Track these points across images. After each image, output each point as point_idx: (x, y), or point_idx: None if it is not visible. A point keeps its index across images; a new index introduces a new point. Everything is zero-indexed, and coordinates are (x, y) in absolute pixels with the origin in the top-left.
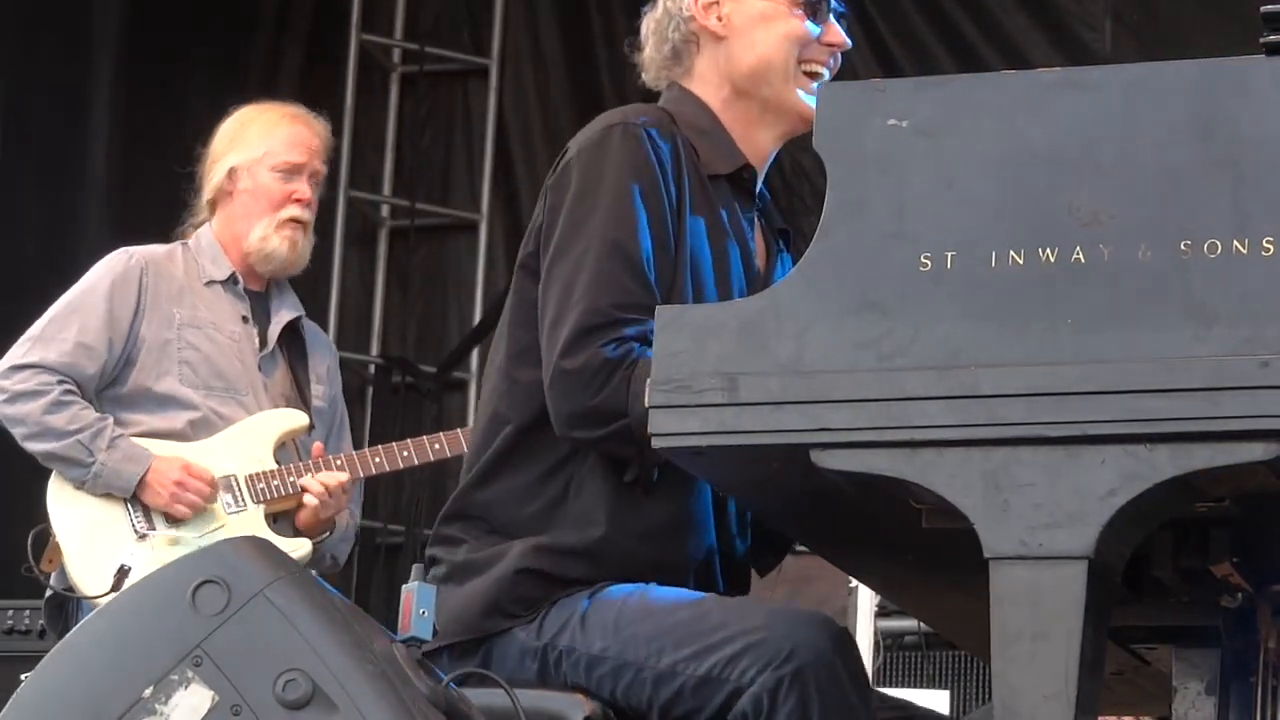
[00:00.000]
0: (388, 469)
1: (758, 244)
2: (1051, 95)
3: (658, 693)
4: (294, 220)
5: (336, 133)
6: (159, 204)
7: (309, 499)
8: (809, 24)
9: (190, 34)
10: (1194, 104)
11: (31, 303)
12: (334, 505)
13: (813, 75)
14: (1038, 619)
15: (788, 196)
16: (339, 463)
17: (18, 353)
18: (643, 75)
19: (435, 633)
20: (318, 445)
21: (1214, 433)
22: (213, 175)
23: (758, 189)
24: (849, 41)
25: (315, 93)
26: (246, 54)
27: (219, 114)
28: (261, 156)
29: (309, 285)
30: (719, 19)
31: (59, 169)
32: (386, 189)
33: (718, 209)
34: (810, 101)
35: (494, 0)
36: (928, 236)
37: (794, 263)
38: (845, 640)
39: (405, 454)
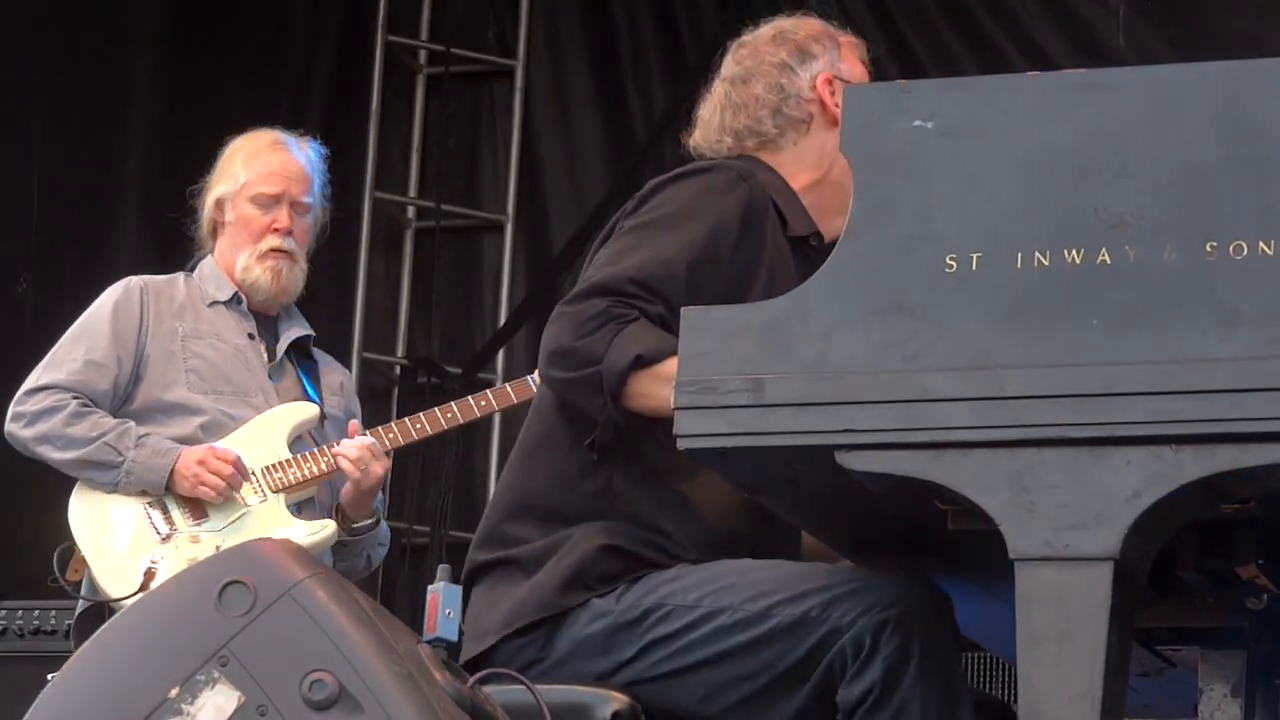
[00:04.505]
0: (402, 443)
1: None
2: (1077, 96)
3: (738, 636)
4: (275, 251)
5: (362, 134)
6: (195, 209)
7: (343, 462)
8: None
9: (225, 37)
10: (1220, 105)
11: (71, 306)
12: (371, 474)
13: None
14: (1063, 620)
15: None
16: (363, 434)
17: (31, 379)
18: (697, 141)
19: (461, 633)
20: (354, 423)
21: (1239, 434)
22: (204, 206)
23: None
24: None
25: (342, 94)
26: (281, 57)
27: (253, 117)
28: (241, 188)
29: (334, 287)
30: (836, 105)
31: (98, 172)
32: (412, 190)
33: (790, 266)
34: None
35: (519, 1)
36: (953, 238)
37: None
38: (945, 599)
39: (419, 426)
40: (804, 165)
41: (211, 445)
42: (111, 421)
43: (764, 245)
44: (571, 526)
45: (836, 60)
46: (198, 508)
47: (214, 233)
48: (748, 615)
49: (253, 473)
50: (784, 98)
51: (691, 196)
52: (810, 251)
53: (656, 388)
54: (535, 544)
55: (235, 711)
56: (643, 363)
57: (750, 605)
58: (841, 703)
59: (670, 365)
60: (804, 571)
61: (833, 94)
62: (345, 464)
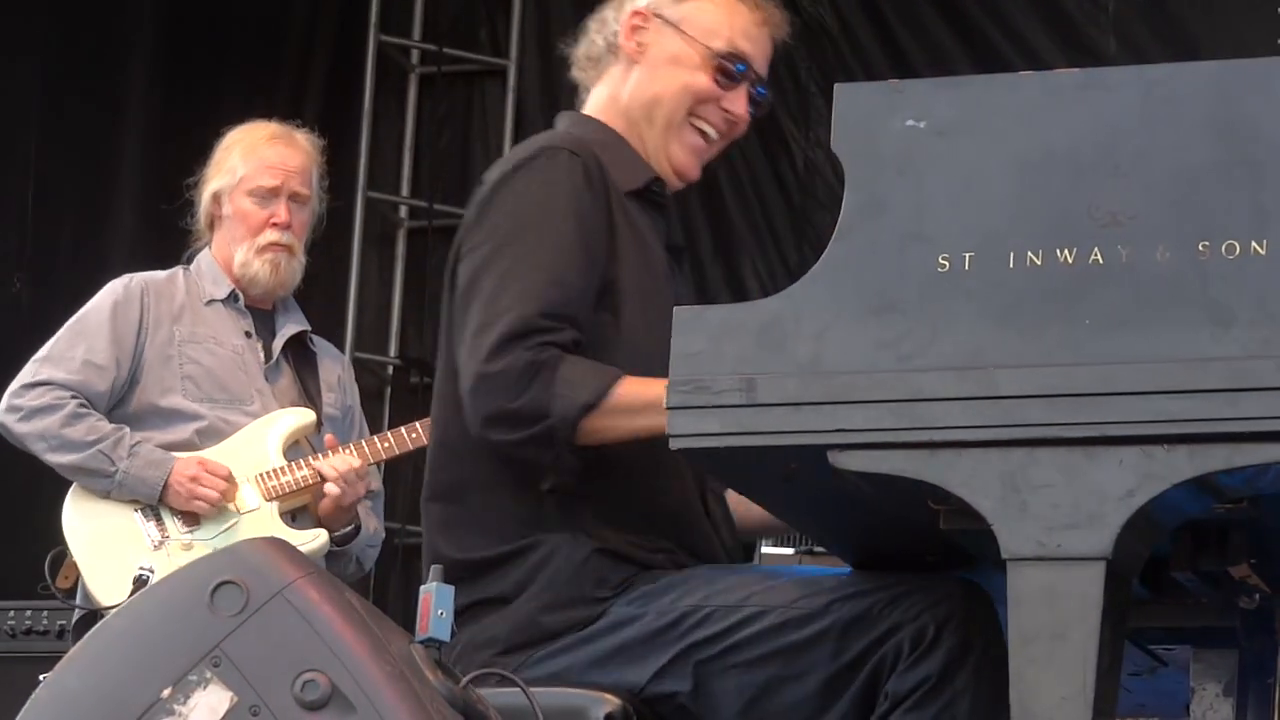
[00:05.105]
0: (398, 452)
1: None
2: (1070, 96)
3: (791, 634)
4: (273, 245)
5: (355, 134)
6: (191, 203)
7: (329, 487)
8: (716, 85)
9: (220, 37)
10: (1213, 105)
11: (66, 304)
12: (351, 492)
13: (701, 133)
14: (1055, 620)
15: (802, 194)
16: (349, 451)
17: (27, 373)
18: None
19: (454, 634)
20: (330, 436)
21: (1232, 434)
22: (201, 199)
23: (666, 203)
24: (748, 119)
25: (335, 94)
26: (275, 56)
27: (248, 116)
28: (239, 182)
29: (327, 286)
30: (638, 45)
31: (93, 171)
32: (405, 190)
33: (638, 225)
34: (683, 155)
35: (511, 1)
36: (946, 237)
37: (685, 281)
38: (992, 604)
39: (414, 435)
40: (611, 102)
41: (202, 458)
42: (108, 427)
43: (611, 209)
44: (538, 539)
45: (681, 3)
46: (190, 515)
47: (211, 225)
48: (803, 613)
49: (246, 480)
50: (604, 31)
51: (537, 190)
52: (656, 197)
53: (607, 421)
54: (512, 571)
55: (228, 712)
56: (590, 409)
57: (806, 602)
58: (891, 693)
59: (614, 398)
60: (856, 573)
61: (640, 29)
62: (329, 483)
